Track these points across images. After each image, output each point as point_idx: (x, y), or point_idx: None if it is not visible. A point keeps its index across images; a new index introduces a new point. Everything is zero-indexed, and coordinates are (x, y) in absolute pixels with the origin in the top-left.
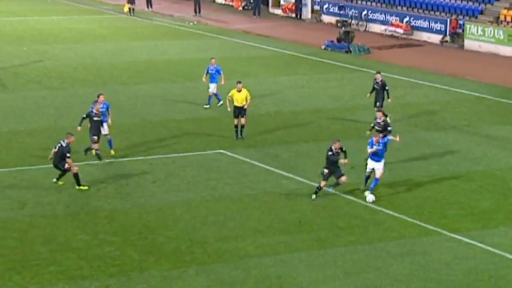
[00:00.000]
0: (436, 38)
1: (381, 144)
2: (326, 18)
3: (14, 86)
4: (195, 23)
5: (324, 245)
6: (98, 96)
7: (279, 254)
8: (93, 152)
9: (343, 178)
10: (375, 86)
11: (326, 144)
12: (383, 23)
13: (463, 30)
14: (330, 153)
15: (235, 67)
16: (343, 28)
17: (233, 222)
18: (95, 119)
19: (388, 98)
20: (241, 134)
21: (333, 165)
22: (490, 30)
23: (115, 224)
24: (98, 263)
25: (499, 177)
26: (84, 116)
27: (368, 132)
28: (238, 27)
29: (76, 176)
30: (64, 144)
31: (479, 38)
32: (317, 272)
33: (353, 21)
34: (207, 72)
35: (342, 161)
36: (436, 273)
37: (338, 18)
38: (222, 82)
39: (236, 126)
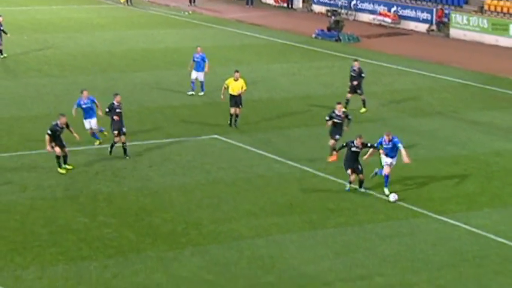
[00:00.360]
0: (422, 27)
1: (390, 144)
2: (317, 8)
3: (16, 74)
4: (190, 12)
5: (314, 227)
6: (82, 92)
7: (271, 235)
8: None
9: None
10: (352, 73)
11: (317, 130)
12: (371, 12)
13: (448, 20)
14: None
15: (228, 55)
16: (333, 17)
17: (227, 204)
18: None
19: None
20: (235, 124)
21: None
22: (475, 20)
23: (113, 207)
24: (96, 244)
25: (483, 161)
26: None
27: (329, 123)
28: (232, 16)
29: (57, 157)
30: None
31: (464, 27)
32: (308, 252)
33: (343, 11)
34: (193, 60)
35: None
36: (423, 253)
37: (328, 8)
38: (206, 69)
39: (231, 115)
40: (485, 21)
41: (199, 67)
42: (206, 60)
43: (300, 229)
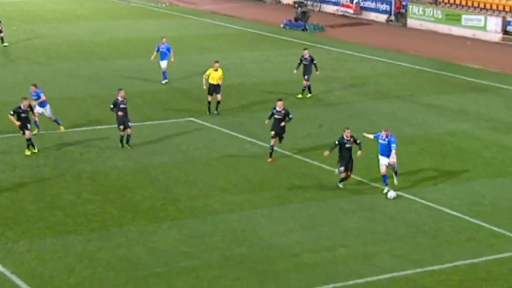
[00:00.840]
0: (382, 18)
1: (386, 140)
2: (285, 0)
3: (5, 62)
4: (167, 4)
5: (283, 202)
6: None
7: (244, 210)
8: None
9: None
10: (304, 62)
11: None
12: (335, 4)
13: (406, 11)
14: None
15: (203, 43)
16: (300, 9)
17: (202, 182)
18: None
19: (317, 70)
20: (216, 109)
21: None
22: (430, 11)
23: (96, 185)
24: (81, 219)
25: (438, 140)
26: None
27: (267, 121)
28: (206, 8)
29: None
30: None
31: (420, 17)
32: (277, 225)
33: (309, 3)
34: (158, 50)
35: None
36: (382, 226)
37: (295, 0)
38: (172, 59)
39: (209, 103)
40: (439, 12)
41: (164, 57)
42: (171, 51)
43: (270, 204)
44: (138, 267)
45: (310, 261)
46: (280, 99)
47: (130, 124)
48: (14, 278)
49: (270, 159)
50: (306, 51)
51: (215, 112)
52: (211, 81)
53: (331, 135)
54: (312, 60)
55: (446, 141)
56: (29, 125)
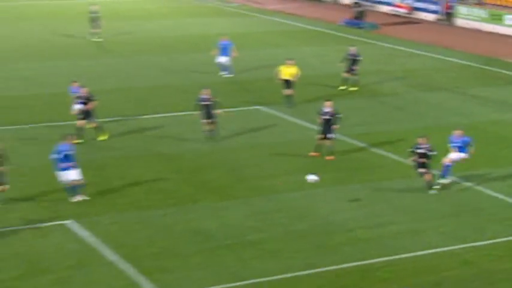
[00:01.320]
0: (432, 17)
1: (459, 142)
2: (343, 0)
3: (96, 54)
4: (239, 4)
5: (341, 183)
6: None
7: (305, 190)
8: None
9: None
10: (350, 57)
11: (344, 102)
12: (388, 4)
13: (454, 11)
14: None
15: (268, 39)
16: (357, 8)
17: (268, 164)
18: None
19: (357, 66)
20: (289, 103)
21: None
22: (476, 11)
23: (173, 165)
24: (159, 196)
25: (482, 129)
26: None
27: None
28: (272, 7)
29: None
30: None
31: (467, 17)
32: (335, 204)
33: (365, 3)
34: (219, 46)
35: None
36: (430, 205)
37: (353, 0)
38: (234, 54)
39: (285, 96)
40: (484, 12)
41: (224, 52)
42: (231, 46)
43: (329, 185)
44: (209, 239)
45: (363, 236)
46: (328, 100)
47: (214, 118)
48: (103, 247)
49: (314, 153)
50: (353, 48)
51: (289, 105)
52: (283, 76)
53: (383, 123)
54: (357, 56)
55: (489, 130)
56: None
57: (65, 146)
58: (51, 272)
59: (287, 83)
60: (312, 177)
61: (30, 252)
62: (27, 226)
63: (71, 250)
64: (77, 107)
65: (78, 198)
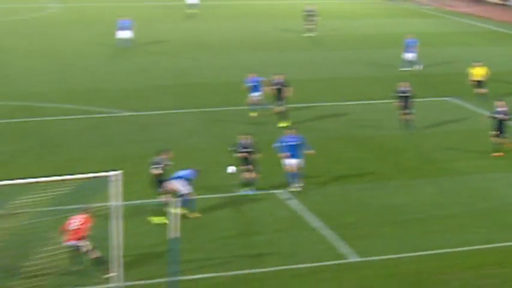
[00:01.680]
0: None
1: None
2: None
3: (311, 48)
4: (431, 7)
5: None
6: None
7: (487, 172)
8: None
9: None
10: None
11: None
12: None
13: None
14: None
15: (458, 39)
16: None
17: (456, 148)
18: None
19: None
20: (484, 100)
21: None
22: None
23: (372, 146)
24: (358, 172)
25: None
26: None
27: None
28: (463, 10)
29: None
30: None
31: None
32: None
33: None
34: (405, 44)
35: None
36: None
37: None
38: (416, 49)
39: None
40: None
41: (410, 50)
42: (417, 43)
43: (509, 170)
44: (401, 212)
45: None
46: (500, 100)
47: (412, 109)
48: (308, 215)
49: (496, 154)
50: None
51: (484, 101)
52: (474, 78)
53: None
54: None
55: None
56: None
57: (288, 138)
58: (262, 233)
59: (479, 83)
60: (231, 169)
61: (246, 216)
62: (244, 193)
63: (280, 216)
64: (254, 94)
65: (296, 186)
